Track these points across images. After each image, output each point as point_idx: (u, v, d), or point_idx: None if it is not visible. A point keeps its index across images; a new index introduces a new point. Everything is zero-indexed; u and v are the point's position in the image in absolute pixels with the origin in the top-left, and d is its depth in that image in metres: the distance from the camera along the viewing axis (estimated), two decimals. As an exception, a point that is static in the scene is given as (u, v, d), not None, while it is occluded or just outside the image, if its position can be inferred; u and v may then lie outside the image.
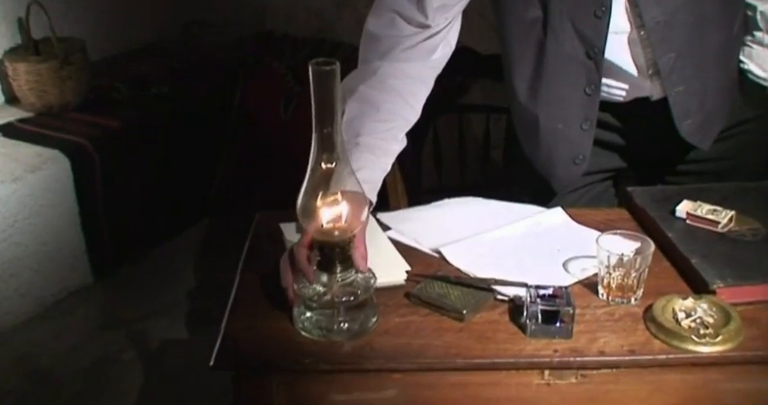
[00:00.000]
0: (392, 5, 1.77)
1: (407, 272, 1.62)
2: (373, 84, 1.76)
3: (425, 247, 1.72)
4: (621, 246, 1.53)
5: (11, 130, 3.42)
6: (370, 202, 1.63)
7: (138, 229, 3.60)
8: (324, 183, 1.41)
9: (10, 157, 3.19)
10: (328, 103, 1.37)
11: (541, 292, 1.45)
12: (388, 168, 1.73)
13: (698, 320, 1.43)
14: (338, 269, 1.45)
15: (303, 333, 1.47)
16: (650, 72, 1.83)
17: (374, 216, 1.78)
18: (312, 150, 1.40)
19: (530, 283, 1.48)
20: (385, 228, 1.78)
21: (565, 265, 1.63)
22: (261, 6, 4.50)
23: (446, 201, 1.90)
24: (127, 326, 3.18)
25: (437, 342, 1.43)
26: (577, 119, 1.90)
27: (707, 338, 1.40)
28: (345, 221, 1.43)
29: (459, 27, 1.83)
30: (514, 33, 1.88)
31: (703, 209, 1.70)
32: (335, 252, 1.44)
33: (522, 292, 1.49)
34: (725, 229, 1.68)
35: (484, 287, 1.54)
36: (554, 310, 1.41)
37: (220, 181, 3.94)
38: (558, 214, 1.81)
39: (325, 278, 1.46)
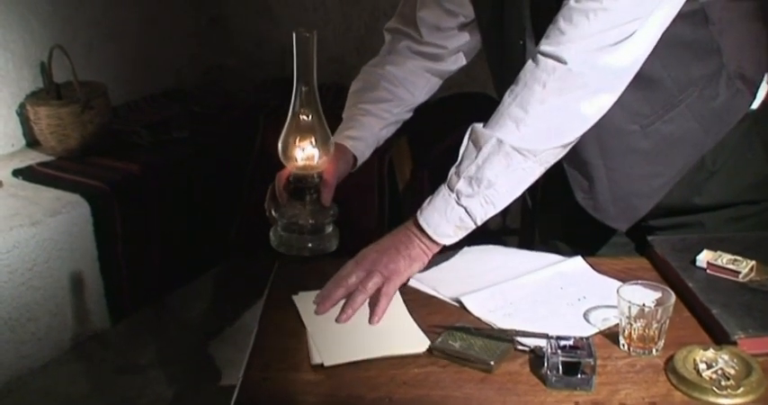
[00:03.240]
0: (398, 24, 2.02)
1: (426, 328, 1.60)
2: (377, 67, 2.02)
3: (445, 296, 1.71)
4: (642, 296, 1.52)
5: (31, 174, 3.45)
6: (355, 157, 1.92)
7: (157, 273, 3.60)
8: (300, 130, 1.71)
9: (29, 200, 3.21)
10: (307, 64, 1.66)
11: (562, 342, 1.44)
12: (381, 131, 1.98)
13: (719, 372, 1.42)
14: (307, 199, 1.76)
15: (275, 248, 1.78)
16: None
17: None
18: (292, 103, 1.69)
19: (551, 332, 1.47)
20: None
21: (586, 315, 1.62)
22: (281, 51, 4.53)
23: (466, 249, 1.89)
24: (143, 371, 3.18)
25: (457, 393, 1.42)
26: None
27: (728, 390, 1.38)
28: (316, 161, 1.74)
29: (467, 54, 2.03)
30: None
31: (724, 259, 1.69)
32: (306, 184, 1.75)
33: (542, 342, 1.48)
34: (746, 279, 1.66)
35: (504, 338, 1.53)
36: (575, 362, 1.40)
37: (239, 225, 3.94)
38: (578, 263, 1.81)
39: (297, 205, 1.76)
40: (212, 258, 3.91)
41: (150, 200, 3.51)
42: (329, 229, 1.79)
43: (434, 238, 1.66)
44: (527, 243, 2.15)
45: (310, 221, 1.76)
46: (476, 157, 1.61)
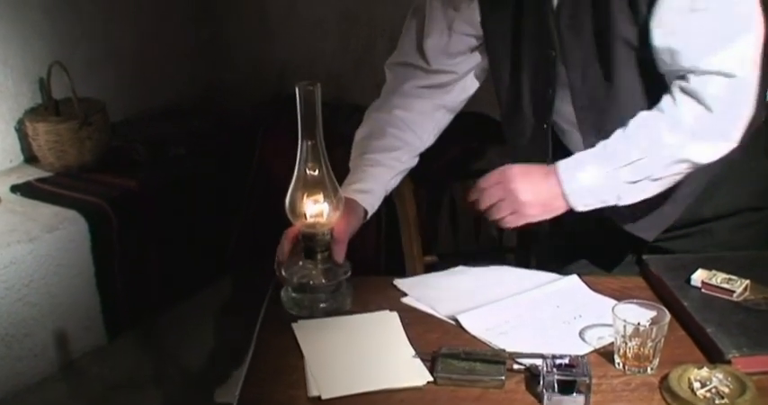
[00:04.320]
0: (401, 57, 1.99)
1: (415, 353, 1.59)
2: (382, 112, 1.98)
3: (441, 314, 1.72)
4: (637, 315, 1.53)
5: (29, 190, 3.44)
6: (365, 210, 1.86)
7: (155, 289, 3.60)
8: (307, 186, 1.66)
9: (27, 216, 3.21)
10: (312, 117, 1.63)
11: (558, 361, 1.44)
12: (390, 181, 1.94)
13: (713, 390, 1.43)
14: (318, 257, 1.70)
15: (288, 310, 1.72)
16: None
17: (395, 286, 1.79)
18: (298, 158, 1.65)
19: (546, 351, 1.48)
20: (401, 294, 1.79)
21: (581, 333, 1.63)
22: (280, 69, 4.54)
23: (461, 268, 1.90)
24: (140, 388, 3.17)
25: (453, 412, 1.42)
26: None
27: (723, 409, 1.39)
28: (325, 218, 1.69)
29: (476, 77, 2.00)
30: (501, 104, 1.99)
31: (718, 278, 1.70)
32: (316, 242, 1.69)
33: (538, 360, 1.49)
34: (740, 298, 1.67)
35: (498, 360, 1.53)
36: (571, 380, 1.41)
37: (237, 241, 3.95)
38: (574, 282, 1.82)
39: (308, 264, 1.71)
40: (210, 274, 3.90)
41: (148, 216, 3.50)
42: (342, 287, 1.75)
43: (572, 205, 1.71)
44: (524, 261, 2.15)
45: (323, 281, 1.72)
46: (652, 157, 1.66)
